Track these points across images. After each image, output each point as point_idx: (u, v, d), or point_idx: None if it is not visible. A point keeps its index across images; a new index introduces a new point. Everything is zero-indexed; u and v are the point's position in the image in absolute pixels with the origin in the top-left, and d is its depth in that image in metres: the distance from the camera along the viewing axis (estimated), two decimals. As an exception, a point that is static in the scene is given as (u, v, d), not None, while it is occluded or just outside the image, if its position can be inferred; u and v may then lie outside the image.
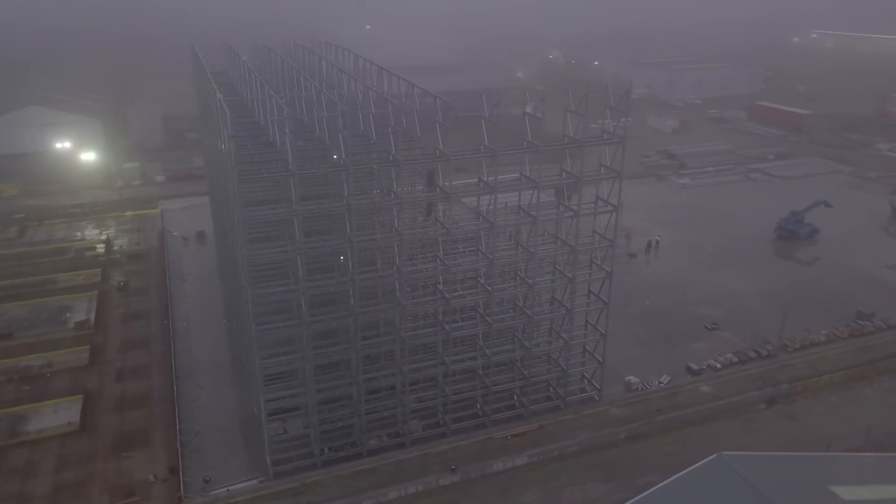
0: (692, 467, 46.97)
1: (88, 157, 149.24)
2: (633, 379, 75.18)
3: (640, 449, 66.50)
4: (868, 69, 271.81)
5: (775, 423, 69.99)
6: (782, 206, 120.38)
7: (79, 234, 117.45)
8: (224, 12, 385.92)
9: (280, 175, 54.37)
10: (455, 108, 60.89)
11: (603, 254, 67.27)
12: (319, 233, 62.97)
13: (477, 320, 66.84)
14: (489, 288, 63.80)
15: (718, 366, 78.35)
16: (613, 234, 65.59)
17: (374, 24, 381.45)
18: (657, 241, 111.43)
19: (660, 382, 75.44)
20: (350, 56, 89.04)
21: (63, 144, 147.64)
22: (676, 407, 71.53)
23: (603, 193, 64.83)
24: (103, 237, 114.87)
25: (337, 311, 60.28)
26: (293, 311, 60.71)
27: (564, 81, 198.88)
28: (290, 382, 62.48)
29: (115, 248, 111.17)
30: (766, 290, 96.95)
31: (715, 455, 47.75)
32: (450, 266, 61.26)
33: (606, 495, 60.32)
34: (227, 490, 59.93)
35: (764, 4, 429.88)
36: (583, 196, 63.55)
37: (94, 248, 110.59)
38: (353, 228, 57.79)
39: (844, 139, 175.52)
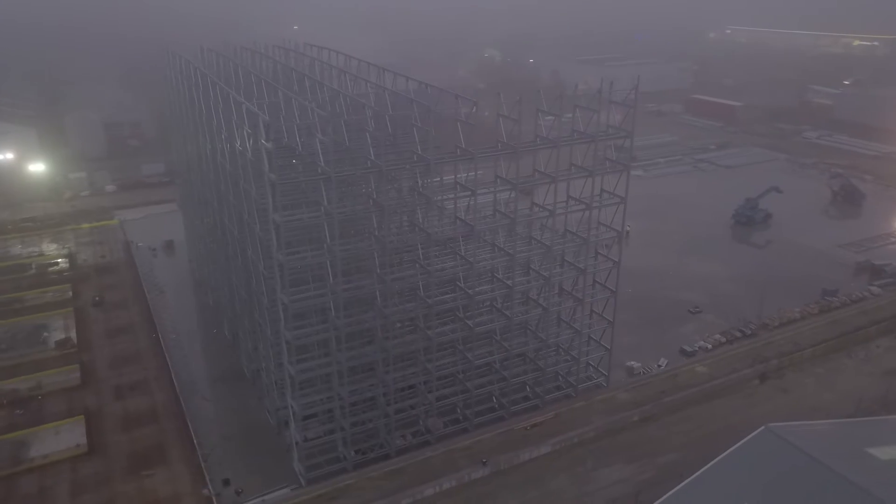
0: (742, 441, 49.67)
1: (32, 168, 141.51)
2: (634, 364, 78.24)
3: (653, 429, 69.41)
4: (782, 62, 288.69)
5: (772, 397, 74.41)
6: (734, 194, 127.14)
7: (36, 249, 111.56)
8: (131, 11, 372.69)
9: (317, 179, 53.91)
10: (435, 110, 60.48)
11: (610, 244, 69.92)
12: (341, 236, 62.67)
13: (494, 315, 68.20)
14: (509, 283, 65.19)
15: (710, 347, 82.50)
16: (621, 225, 68.27)
17: (301, 25, 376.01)
18: (627, 232, 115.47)
19: (658, 366, 78.81)
20: (337, 57, 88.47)
21: (4, 156, 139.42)
22: (678, 388, 74.90)
23: (608, 186, 67.54)
24: (64, 251, 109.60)
25: (366, 313, 60.22)
26: (316, 314, 60.28)
27: (505, 81, 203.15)
28: (318, 387, 62.00)
29: (80, 262, 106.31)
30: (736, 273, 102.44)
31: (762, 428, 50.71)
32: (473, 263, 62.32)
33: (633, 475, 62.82)
34: (263, 500, 59.04)
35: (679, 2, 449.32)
36: (581, 191, 66.02)
37: (57, 264, 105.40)
38: (382, 228, 57.98)
39: (776, 128, 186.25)
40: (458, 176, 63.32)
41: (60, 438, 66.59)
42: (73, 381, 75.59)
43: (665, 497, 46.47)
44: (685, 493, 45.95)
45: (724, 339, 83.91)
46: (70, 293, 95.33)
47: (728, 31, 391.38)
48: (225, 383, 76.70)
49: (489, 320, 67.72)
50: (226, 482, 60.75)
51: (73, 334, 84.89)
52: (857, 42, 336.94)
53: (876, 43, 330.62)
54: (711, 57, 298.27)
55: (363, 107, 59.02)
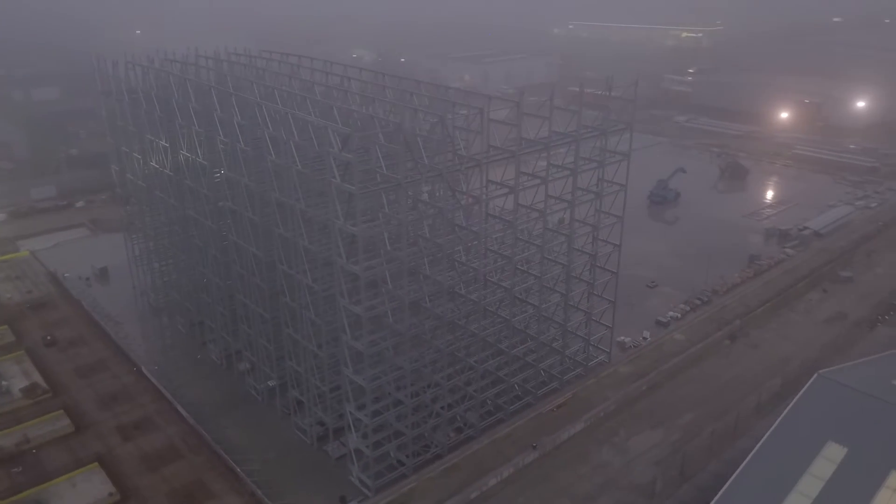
0: (801, 392, 56.16)
1: None
2: (625, 339, 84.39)
3: (663, 395, 75.75)
4: (628, 54, 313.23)
5: (746, 353, 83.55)
6: (639, 176, 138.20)
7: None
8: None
9: (391, 187, 53.84)
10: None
11: (610, 230, 75.21)
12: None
13: (519, 307, 71.01)
14: (538, 274, 68.40)
15: (679, 316, 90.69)
16: (622, 210, 73.72)
17: (144, 28, 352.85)
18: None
19: (644, 338, 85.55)
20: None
21: None
22: (668, 356, 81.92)
23: (607, 176, 72.79)
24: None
25: (415, 316, 60.76)
26: (371, 321, 59.96)
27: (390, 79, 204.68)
28: (377, 394, 61.47)
29: (5, 300, 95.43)
30: (673, 248, 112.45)
31: (815, 375, 57.60)
32: (512, 258, 64.89)
33: (664, 438, 68.51)
34: (338, 517, 58.10)
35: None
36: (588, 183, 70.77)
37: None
38: (433, 233, 58.96)
39: (651, 115, 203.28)
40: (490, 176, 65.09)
41: (82, 490, 60.91)
42: (64, 429, 68.87)
43: (755, 452, 51.40)
44: (772, 446, 50.99)
45: (688, 308, 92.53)
46: (12, 336, 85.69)
47: (571, 27, 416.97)
48: (236, 407, 73.43)
49: (521, 311, 70.33)
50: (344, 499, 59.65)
51: (39, 378, 76.86)
52: (685, 34, 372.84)
53: (700, 35, 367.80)
54: (571, 52, 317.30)
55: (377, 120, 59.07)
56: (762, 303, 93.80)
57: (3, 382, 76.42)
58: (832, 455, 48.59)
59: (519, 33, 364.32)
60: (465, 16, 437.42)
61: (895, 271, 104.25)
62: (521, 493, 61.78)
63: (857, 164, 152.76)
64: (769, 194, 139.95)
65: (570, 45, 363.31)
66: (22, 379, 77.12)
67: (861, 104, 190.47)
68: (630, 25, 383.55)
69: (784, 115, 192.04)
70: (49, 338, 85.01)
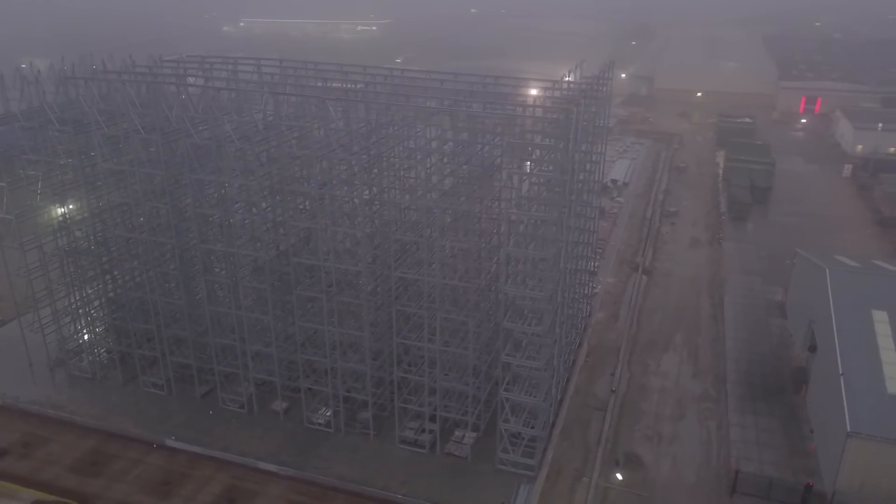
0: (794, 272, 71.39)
1: None
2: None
3: (655, 323, 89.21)
4: (308, 49, 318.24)
5: (666, 280, 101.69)
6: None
7: None
8: None
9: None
10: None
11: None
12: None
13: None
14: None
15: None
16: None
17: None
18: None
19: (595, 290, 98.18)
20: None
21: None
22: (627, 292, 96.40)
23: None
24: None
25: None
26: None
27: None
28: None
29: None
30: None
31: (827, 271, 74.59)
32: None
33: (678, 364, 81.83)
34: (532, 499, 59.25)
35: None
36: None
37: None
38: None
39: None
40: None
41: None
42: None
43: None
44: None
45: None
46: None
47: (242, 24, 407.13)
48: (310, 447, 66.24)
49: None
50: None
51: (47, 496, 59.20)
52: (359, 28, 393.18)
53: (374, 28, 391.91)
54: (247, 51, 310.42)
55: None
56: (642, 241, 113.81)
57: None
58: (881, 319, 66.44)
59: (188, 31, 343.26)
60: (123, 14, 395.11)
61: (696, 203, 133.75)
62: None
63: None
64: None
65: (245, 43, 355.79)
66: (12, 504, 58.58)
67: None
68: (308, 21, 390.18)
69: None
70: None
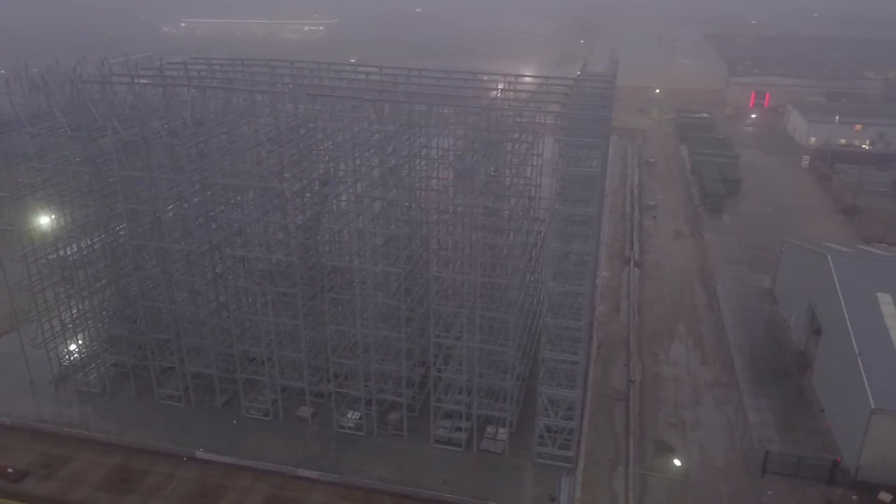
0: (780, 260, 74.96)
1: None
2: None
3: (656, 314, 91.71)
4: (254, 49, 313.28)
5: (657, 272, 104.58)
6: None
7: None
8: None
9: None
10: None
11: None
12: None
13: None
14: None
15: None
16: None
17: None
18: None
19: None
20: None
21: None
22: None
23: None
24: None
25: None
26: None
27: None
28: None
29: None
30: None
31: (829, 258, 77.86)
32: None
33: (686, 352, 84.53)
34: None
35: None
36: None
37: None
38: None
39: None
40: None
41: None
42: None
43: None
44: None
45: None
46: None
47: (183, 25, 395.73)
48: (345, 451, 65.70)
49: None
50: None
51: (70, 516, 56.85)
52: (307, 27, 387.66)
53: (322, 28, 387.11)
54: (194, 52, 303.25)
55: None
56: (627, 234, 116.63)
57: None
58: (886, 301, 70.14)
59: (127, 31, 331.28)
60: (55, 13, 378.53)
61: (670, 196, 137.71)
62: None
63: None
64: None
65: (190, 44, 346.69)
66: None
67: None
68: (252, 21, 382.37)
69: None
70: (11, 471, 61.59)
